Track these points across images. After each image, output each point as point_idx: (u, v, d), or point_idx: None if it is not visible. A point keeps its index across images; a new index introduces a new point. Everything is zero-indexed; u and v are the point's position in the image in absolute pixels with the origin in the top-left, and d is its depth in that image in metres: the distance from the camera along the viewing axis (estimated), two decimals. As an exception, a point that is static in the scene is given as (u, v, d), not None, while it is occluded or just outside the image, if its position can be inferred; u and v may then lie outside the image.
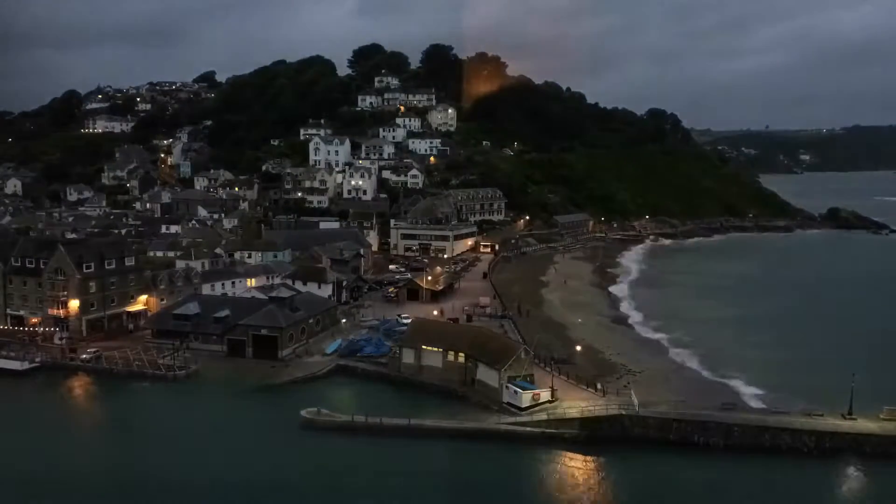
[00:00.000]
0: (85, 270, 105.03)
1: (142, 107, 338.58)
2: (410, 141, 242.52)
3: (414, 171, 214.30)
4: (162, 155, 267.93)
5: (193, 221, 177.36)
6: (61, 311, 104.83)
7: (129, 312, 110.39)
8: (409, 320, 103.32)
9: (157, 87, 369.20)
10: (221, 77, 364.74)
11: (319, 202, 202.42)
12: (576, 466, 68.82)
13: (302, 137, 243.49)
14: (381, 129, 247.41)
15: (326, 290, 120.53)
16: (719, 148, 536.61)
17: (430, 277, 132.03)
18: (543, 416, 75.45)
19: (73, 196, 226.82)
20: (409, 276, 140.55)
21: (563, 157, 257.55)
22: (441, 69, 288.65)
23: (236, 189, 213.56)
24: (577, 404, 77.42)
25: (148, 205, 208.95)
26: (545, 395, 78.65)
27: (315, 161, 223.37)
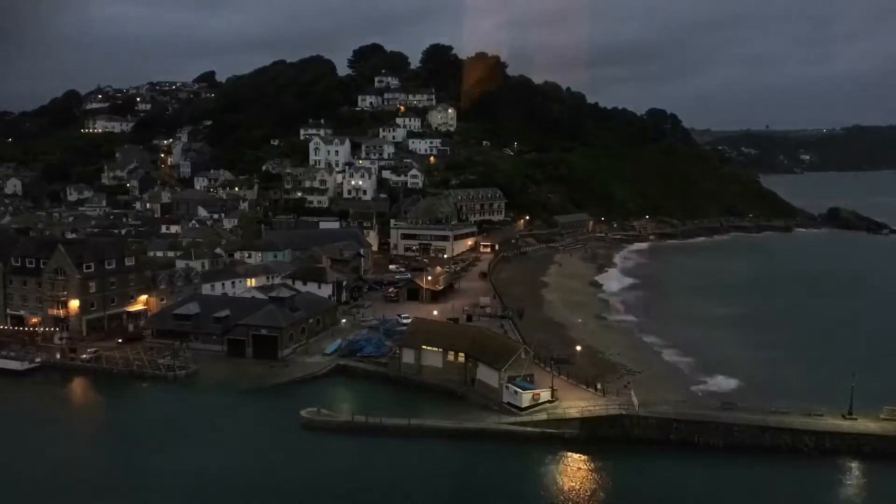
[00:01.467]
0: (85, 270, 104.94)
1: (142, 107, 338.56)
2: (410, 141, 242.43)
3: (414, 171, 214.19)
4: (162, 155, 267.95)
5: (193, 221, 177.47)
6: (61, 311, 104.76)
7: (129, 312, 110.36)
8: (409, 320, 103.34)
9: (157, 87, 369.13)
10: (222, 77, 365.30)
11: (319, 202, 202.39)
12: (576, 466, 68.87)
13: (302, 137, 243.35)
14: (381, 129, 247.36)
15: (326, 290, 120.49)
16: (719, 148, 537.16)
17: (430, 277, 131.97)
18: (543, 416, 75.45)
19: (73, 196, 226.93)
20: (409, 276, 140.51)
21: (563, 157, 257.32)
22: (441, 69, 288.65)
23: (236, 189, 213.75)
24: (577, 404, 77.40)
25: (148, 205, 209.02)
26: (545, 395, 78.62)
27: (315, 161, 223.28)
